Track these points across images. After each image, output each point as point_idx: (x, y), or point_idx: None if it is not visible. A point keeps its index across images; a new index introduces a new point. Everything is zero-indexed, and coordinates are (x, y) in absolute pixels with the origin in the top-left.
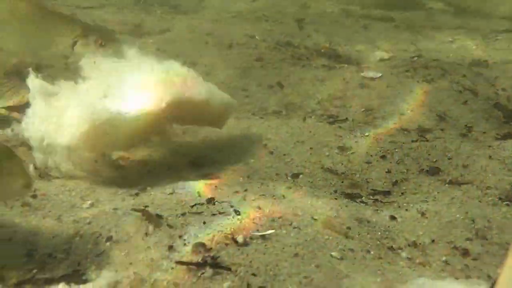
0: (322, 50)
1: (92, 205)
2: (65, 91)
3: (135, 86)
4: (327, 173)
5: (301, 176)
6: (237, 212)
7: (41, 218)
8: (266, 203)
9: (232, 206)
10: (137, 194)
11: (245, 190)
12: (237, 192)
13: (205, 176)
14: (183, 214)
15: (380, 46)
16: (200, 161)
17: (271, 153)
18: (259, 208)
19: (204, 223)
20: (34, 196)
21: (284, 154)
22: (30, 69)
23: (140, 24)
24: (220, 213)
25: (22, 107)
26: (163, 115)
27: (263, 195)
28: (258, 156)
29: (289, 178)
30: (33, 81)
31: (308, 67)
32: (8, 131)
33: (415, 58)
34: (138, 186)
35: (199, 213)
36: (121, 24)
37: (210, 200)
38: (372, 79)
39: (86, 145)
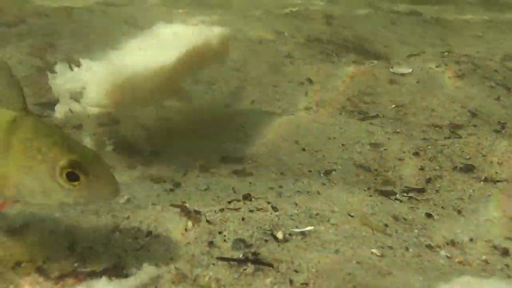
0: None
1: (128, 200)
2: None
3: (145, 46)
4: (359, 170)
5: (333, 172)
6: (275, 209)
7: (79, 213)
8: (302, 199)
9: (269, 203)
10: (171, 190)
11: (280, 187)
12: (272, 188)
13: (238, 173)
14: (221, 210)
15: (409, 42)
16: (232, 158)
17: (303, 149)
18: (296, 204)
19: (243, 219)
20: None
21: (316, 151)
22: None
23: (169, 20)
24: (257, 209)
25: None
26: (176, 69)
27: (298, 191)
28: (290, 152)
29: (322, 174)
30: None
31: (337, 63)
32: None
33: (445, 53)
34: (172, 182)
35: (237, 209)
36: (151, 21)
37: (246, 197)
38: (402, 75)
39: (110, 102)
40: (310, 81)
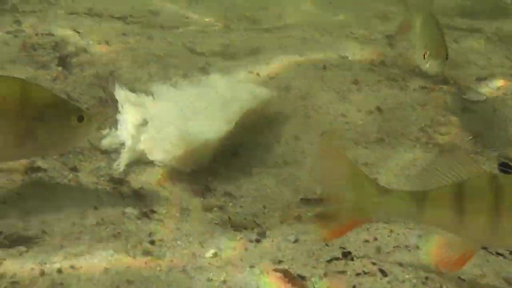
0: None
1: (215, 255)
2: (148, 104)
3: (206, 111)
4: None
5: None
6: (383, 272)
7: (167, 271)
8: (405, 257)
9: (374, 264)
10: (258, 241)
11: (375, 239)
12: (367, 241)
13: (322, 217)
14: (325, 275)
15: (475, 62)
16: (311, 197)
17: None
18: (401, 265)
19: (354, 287)
20: (152, 242)
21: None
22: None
23: (228, 44)
24: (365, 272)
25: None
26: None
27: (397, 246)
28: None
29: None
30: (120, 92)
31: (405, 89)
32: None
33: None
34: (254, 228)
35: (342, 273)
36: (210, 44)
37: (347, 254)
38: (475, 102)
39: (177, 163)
40: (379, 109)
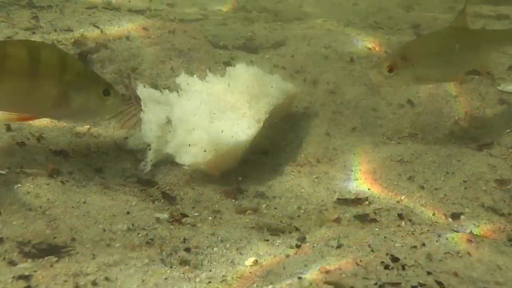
0: None
1: (256, 263)
2: (173, 102)
3: (234, 108)
4: (491, 214)
5: (462, 217)
6: (440, 284)
7: (206, 283)
8: (458, 265)
9: (429, 273)
10: (298, 246)
11: (423, 245)
12: (415, 246)
13: (361, 219)
14: (378, 284)
15: (505, 51)
16: (348, 199)
17: (422, 187)
18: (456, 275)
19: None
20: (188, 250)
21: (436, 189)
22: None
23: (250, 36)
24: (420, 285)
25: None
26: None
27: (448, 253)
28: (409, 191)
29: (449, 219)
30: (142, 90)
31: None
32: None
33: None
34: (292, 232)
35: (397, 285)
36: (233, 37)
37: (395, 259)
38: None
39: (207, 167)
40: (411, 102)
